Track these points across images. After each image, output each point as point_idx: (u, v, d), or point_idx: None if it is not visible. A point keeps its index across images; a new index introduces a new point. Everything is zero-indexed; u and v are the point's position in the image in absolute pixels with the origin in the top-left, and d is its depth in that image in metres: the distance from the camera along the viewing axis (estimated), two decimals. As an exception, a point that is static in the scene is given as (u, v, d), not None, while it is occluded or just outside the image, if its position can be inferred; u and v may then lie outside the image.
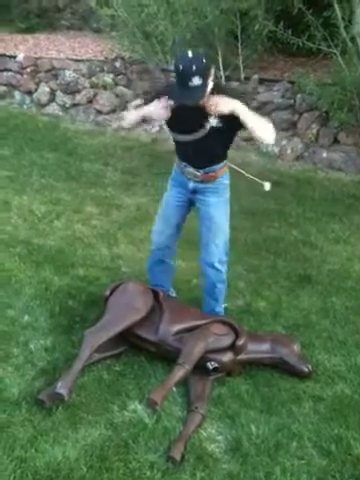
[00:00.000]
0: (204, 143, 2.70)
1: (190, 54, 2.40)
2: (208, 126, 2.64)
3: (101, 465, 2.21)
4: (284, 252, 4.06)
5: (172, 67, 2.47)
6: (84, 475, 2.15)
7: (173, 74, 2.49)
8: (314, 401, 2.63)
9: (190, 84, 2.38)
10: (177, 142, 2.88)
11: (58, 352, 2.80)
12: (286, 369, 2.76)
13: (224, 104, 2.51)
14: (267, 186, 2.98)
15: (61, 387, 2.40)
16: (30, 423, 2.37)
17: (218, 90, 2.57)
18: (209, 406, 2.53)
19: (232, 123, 2.58)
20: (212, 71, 2.49)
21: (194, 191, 2.95)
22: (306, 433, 2.44)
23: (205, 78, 2.42)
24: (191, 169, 2.88)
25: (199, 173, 2.87)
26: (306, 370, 2.73)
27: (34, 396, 2.49)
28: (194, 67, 2.36)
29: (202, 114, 2.59)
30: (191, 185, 2.93)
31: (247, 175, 3.07)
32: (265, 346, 2.80)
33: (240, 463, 2.27)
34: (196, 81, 2.38)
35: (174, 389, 2.60)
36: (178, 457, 2.24)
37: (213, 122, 2.62)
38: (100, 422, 2.41)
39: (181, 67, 2.38)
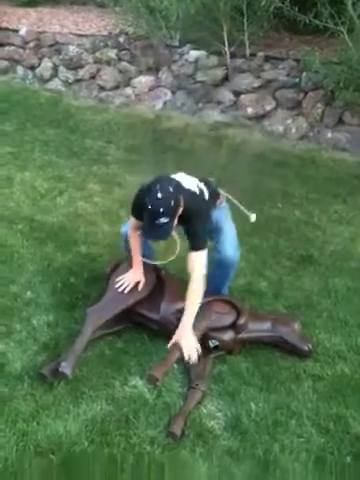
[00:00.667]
0: None
1: (159, 195, 2.44)
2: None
3: (102, 439, 2.24)
4: (286, 232, 4.05)
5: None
6: (85, 449, 2.18)
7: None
8: (314, 380, 2.65)
9: (156, 222, 2.45)
10: None
11: (60, 328, 2.82)
12: (286, 348, 2.78)
13: (193, 350, 2.53)
14: (252, 218, 2.88)
15: (65, 367, 2.42)
16: (32, 397, 2.40)
17: (188, 213, 2.58)
18: (209, 383, 2.55)
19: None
20: (180, 210, 2.52)
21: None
22: (305, 411, 2.46)
23: (172, 217, 2.48)
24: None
25: None
26: (306, 349, 2.75)
27: (36, 371, 2.51)
28: (161, 209, 2.43)
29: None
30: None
31: (236, 202, 3.01)
32: (266, 325, 2.81)
33: (239, 440, 2.30)
34: (163, 220, 2.45)
35: (175, 366, 2.62)
36: (178, 432, 2.27)
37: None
38: (101, 397, 2.43)
39: (149, 206, 2.45)
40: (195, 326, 2.61)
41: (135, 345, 2.77)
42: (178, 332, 2.54)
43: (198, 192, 2.73)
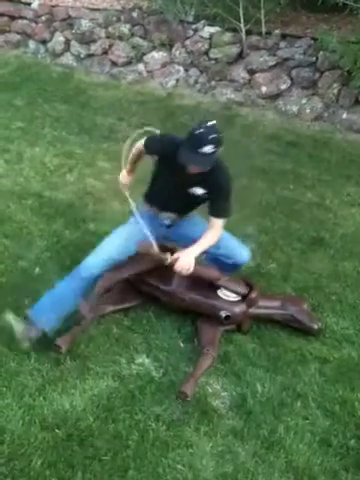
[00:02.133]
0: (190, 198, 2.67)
1: (209, 123, 2.39)
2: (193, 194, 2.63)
3: (107, 415, 2.25)
4: (297, 214, 4.01)
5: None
6: (90, 425, 2.20)
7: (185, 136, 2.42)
8: (320, 363, 2.64)
9: (200, 150, 2.35)
10: (157, 189, 2.78)
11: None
12: (296, 326, 2.77)
13: (187, 265, 2.51)
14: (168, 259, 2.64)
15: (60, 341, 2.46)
16: (39, 372, 2.41)
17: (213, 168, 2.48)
18: (218, 351, 2.57)
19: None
20: (221, 146, 2.43)
21: (169, 226, 2.80)
22: (311, 394, 2.46)
23: (216, 149, 2.39)
24: (168, 213, 2.76)
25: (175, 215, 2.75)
26: (316, 327, 2.75)
27: (43, 346, 2.52)
28: (211, 135, 2.35)
29: (189, 182, 2.56)
30: (166, 222, 2.78)
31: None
32: (276, 303, 2.82)
33: (244, 420, 2.31)
34: (208, 149, 2.36)
35: (181, 345, 2.62)
36: (189, 392, 2.30)
37: (198, 191, 2.60)
38: (108, 374, 2.44)
39: (197, 131, 2.36)
40: (204, 268, 2.65)
41: (141, 323, 2.77)
42: (182, 251, 2.54)
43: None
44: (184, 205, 2.74)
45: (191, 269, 2.52)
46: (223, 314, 2.65)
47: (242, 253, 2.83)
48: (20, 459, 2.03)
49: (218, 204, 2.58)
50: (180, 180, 2.55)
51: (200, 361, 2.47)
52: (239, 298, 2.71)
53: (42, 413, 2.22)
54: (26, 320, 2.52)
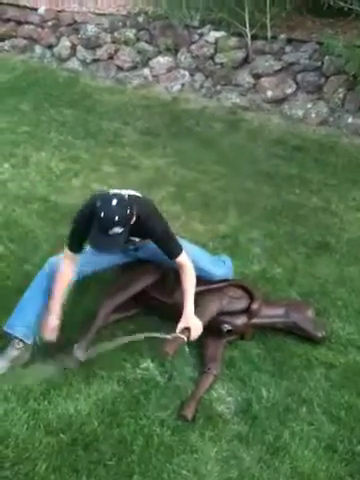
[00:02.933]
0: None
1: (114, 202, 2.27)
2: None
3: (112, 420, 2.25)
4: (303, 219, 4.00)
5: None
6: (95, 429, 2.20)
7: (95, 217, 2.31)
8: (326, 368, 2.63)
9: (110, 232, 2.28)
10: None
11: (73, 308, 2.82)
12: (300, 334, 2.76)
13: (198, 328, 2.48)
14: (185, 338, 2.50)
15: (78, 348, 2.45)
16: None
17: (142, 221, 2.42)
18: (222, 367, 2.54)
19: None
20: (133, 218, 2.36)
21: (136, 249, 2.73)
22: (316, 399, 2.45)
23: (126, 226, 2.32)
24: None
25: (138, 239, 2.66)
26: (320, 335, 2.73)
27: (48, 350, 2.53)
28: (116, 217, 2.25)
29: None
30: (131, 247, 2.70)
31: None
32: (279, 311, 2.79)
33: (249, 425, 2.30)
34: (116, 230, 2.27)
35: (186, 349, 2.62)
36: (189, 416, 2.27)
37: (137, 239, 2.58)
38: (113, 378, 2.44)
39: (102, 214, 2.25)
40: (205, 309, 2.60)
41: (146, 328, 2.76)
42: (183, 319, 2.50)
43: (139, 195, 2.62)
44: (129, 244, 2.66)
45: (201, 328, 2.50)
46: (225, 328, 2.64)
47: (220, 270, 2.85)
48: (25, 463, 2.03)
49: (165, 248, 2.54)
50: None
51: (201, 381, 2.44)
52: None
53: (47, 417, 2.22)
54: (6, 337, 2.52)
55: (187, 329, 2.49)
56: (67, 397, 2.32)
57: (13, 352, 2.47)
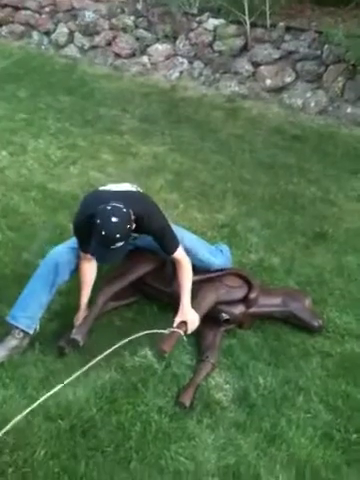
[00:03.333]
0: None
1: (114, 219, 2.23)
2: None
3: (110, 407, 2.26)
4: (301, 208, 4.00)
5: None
6: (93, 416, 2.21)
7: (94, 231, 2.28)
8: (322, 357, 2.64)
9: (112, 247, 2.27)
10: None
11: (71, 296, 2.82)
12: (296, 323, 2.77)
13: (195, 321, 2.52)
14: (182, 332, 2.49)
15: (76, 333, 2.44)
16: (42, 363, 2.42)
17: (143, 224, 2.42)
18: (219, 356, 2.56)
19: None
20: (133, 225, 2.34)
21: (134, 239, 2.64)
22: (313, 388, 2.46)
23: (127, 238, 2.32)
24: None
25: None
26: (316, 325, 2.74)
27: (47, 338, 2.54)
28: (118, 235, 2.24)
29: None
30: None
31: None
32: (277, 300, 2.80)
33: (246, 413, 2.31)
34: (119, 244, 2.27)
35: (185, 338, 2.63)
36: (187, 403, 2.29)
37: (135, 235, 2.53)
38: (111, 366, 2.45)
39: (104, 232, 2.23)
40: (202, 300, 2.61)
41: (145, 316, 2.77)
42: (180, 313, 2.52)
43: (135, 189, 2.60)
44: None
45: (198, 321, 2.52)
46: (222, 317, 2.65)
47: (218, 259, 2.85)
48: (24, 449, 2.04)
49: (163, 244, 2.54)
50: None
51: (199, 369, 2.45)
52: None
53: (45, 404, 2.21)
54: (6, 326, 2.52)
55: (184, 323, 2.50)
56: (66, 384, 2.32)
57: (13, 342, 2.47)
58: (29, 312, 2.50)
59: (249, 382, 2.46)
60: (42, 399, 2.03)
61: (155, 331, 2.47)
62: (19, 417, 1.94)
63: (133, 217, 2.34)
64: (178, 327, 2.49)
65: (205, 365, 2.47)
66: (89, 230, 2.33)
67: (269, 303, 2.79)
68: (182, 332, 2.47)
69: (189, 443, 2.16)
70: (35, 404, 2.00)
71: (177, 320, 2.51)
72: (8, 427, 1.92)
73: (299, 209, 3.98)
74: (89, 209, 2.37)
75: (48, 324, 2.64)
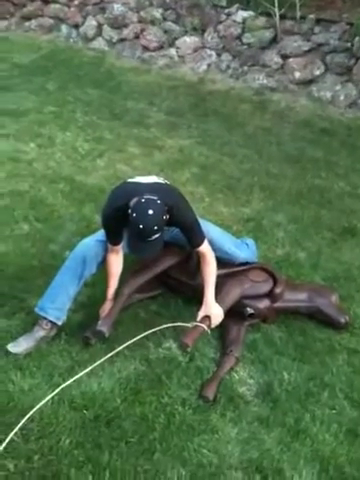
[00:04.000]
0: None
1: (150, 211, 2.23)
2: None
3: (134, 398, 2.28)
4: (328, 203, 3.95)
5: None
6: (118, 406, 2.23)
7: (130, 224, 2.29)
8: (349, 354, 2.61)
9: (149, 240, 2.28)
10: None
11: (97, 288, 2.85)
12: (322, 319, 2.74)
13: (219, 316, 2.53)
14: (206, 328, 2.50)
15: (102, 325, 2.47)
16: (68, 354, 2.46)
17: (174, 216, 2.40)
18: (243, 350, 2.55)
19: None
20: (167, 217, 2.34)
21: None
22: (338, 384, 2.44)
23: (163, 228, 2.32)
24: None
25: None
26: (343, 321, 2.71)
27: (73, 328, 2.57)
28: (156, 226, 2.25)
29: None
30: None
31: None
32: (302, 295, 2.77)
33: (270, 407, 2.31)
34: (156, 236, 2.28)
35: (209, 331, 2.63)
36: (211, 397, 2.29)
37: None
38: (135, 357, 2.47)
39: (141, 226, 2.23)
40: (227, 295, 2.61)
41: (169, 309, 2.78)
42: (204, 307, 2.53)
43: (163, 181, 2.59)
44: None
45: (222, 315, 2.53)
46: (247, 312, 2.64)
47: (243, 252, 2.84)
48: (49, 437, 2.08)
49: (190, 236, 2.54)
50: None
51: (223, 362, 2.45)
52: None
53: (71, 394, 2.26)
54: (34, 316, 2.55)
55: (207, 317, 2.50)
56: (91, 374, 2.35)
57: (40, 332, 2.50)
58: (57, 303, 2.54)
59: (273, 377, 2.45)
60: (64, 385, 2.06)
61: (178, 324, 2.48)
62: (42, 403, 1.97)
63: (165, 208, 2.35)
64: (202, 321, 2.50)
65: (229, 359, 2.46)
66: (119, 222, 2.36)
67: (295, 298, 2.77)
68: (205, 326, 2.48)
69: (212, 436, 2.16)
70: (57, 390, 2.04)
71: (201, 314, 2.52)
72: (31, 413, 1.94)
73: (326, 204, 3.93)
74: (119, 201, 2.39)
75: (74, 315, 2.67)
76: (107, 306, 2.60)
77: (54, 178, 3.94)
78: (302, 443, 2.16)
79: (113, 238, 2.52)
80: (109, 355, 2.23)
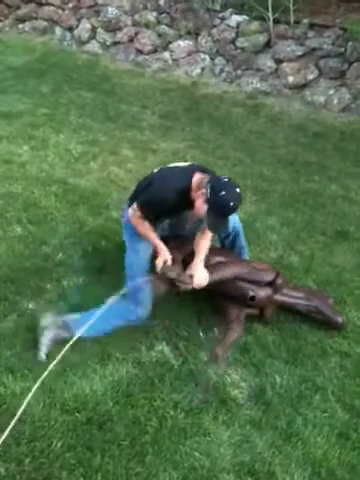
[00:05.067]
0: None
1: (237, 190, 2.40)
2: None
3: (126, 401, 2.27)
4: (321, 206, 3.96)
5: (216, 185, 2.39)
6: (110, 409, 2.22)
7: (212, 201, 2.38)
8: (341, 357, 2.62)
9: (229, 216, 2.48)
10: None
11: (90, 290, 2.85)
12: (319, 318, 2.75)
13: (203, 278, 2.59)
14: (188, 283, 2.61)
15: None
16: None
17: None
18: (243, 329, 2.64)
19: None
20: None
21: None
22: (330, 387, 2.44)
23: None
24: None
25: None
26: (340, 320, 2.74)
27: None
28: (238, 202, 2.42)
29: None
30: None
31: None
32: (301, 293, 2.81)
33: (262, 411, 2.31)
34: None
35: (201, 334, 2.63)
36: (221, 354, 2.41)
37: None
38: (128, 360, 2.46)
39: (232, 203, 2.38)
40: (220, 268, 2.70)
41: (162, 311, 2.78)
42: (190, 267, 2.59)
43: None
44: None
45: (207, 278, 2.59)
46: (249, 294, 2.66)
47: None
48: (41, 440, 2.07)
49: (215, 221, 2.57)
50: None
51: (228, 334, 2.54)
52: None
53: (62, 396, 2.25)
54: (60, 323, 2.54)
55: (191, 277, 2.56)
56: (83, 377, 2.35)
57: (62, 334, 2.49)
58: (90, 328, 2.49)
59: (265, 380, 2.45)
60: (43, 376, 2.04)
61: (150, 278, 2.56)
62: (25, 402, 1.95)
63: None
64: (185, 279, 2.55)
65: (231, 332, 2.55)
66: (176, 205, 2.46)
67: (294, 295, 2.80)
68: (189, 284, 2.54)
69: (204, 439, 2.16)
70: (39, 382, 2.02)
71: (187, 273, 2.58)
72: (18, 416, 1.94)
73: (319, 207, 3.95)
74: (179, 184, 2.46)
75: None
76: (166, 255, 2.59)
77: (47, 180, 3.93)
78: (294, 446, 2.16)
79: (158, 213, 2.59)
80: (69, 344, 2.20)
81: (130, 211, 2.64)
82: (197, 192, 2.43)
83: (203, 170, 2.55)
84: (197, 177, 2.47)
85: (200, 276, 2.59)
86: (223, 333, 2.59)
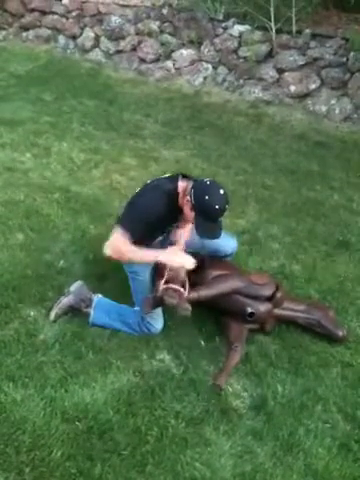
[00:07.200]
0: None
1: (221, 191, 2.34)
2: None
3: (127, 410, 2.26)
4: (323, 216, 3.96)
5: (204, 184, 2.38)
6: (110, 418, 2.21)
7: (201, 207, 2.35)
8: (343, 367, 2.61)
9: (219, 220, 2.38)
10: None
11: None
12: (320, 332, 2.74)
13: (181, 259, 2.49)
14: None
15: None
16: (61, 365, 2.44)
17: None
18: (245, 348, 2.60)
19: None
20: None
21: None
22: (332, 397, 2.43)
23: None
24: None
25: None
26: (341, 334, 2.72)
27: (66, 339, 2.55)
28: (227, 205, 2.36)
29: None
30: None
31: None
32: (302, 306, 2.79)
33: (264, 421, 2.30)
34: (223, 216, 2.40)
35: (202, 343, 2.63)
36: (222, 384, 2.35)
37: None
38: (129, 369, 2.45)
39: (217, 206, 2.32)
40: (218, 282, 2.64)
41: (163, 319, 2.77)
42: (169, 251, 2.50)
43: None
44: None
45: (191, 265, 2.46)
46: (248, 310, 2.63)
47: (227, 244, 2.85)
48: (41, 449, 2.06)
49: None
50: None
51: (230, 355, 2.50)
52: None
53: (63, 405, 2.24)
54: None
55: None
56: (84, 385, 2.34)
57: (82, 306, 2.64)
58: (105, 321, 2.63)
59: (267, 390, 2.44)
60: None
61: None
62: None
63: None
64: (184, 304, 2.40)
65: (235, 353, 2.50)
66: (167, 213, 2.41)
67: (294, 308, 2.78)
68: (189, 311, 2.38)
69: (205, 449, 2.15)
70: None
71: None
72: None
73: (321, 217, 3.95)
74: (166, 191, 2.42)
75: (66, 326, 2.65)
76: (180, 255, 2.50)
77: (49, 188, 3.94)
78: (295, 457, 2.15)
79: (146, 231, 2.46)
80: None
81: (112, 239, 2.47)
82: (184, 199, 2.41)
83: (185, 176, 2.50)
84: (182, 184, 2.44)
85: (182, 259, 2.45)
86: (226, 354, 2.53)
